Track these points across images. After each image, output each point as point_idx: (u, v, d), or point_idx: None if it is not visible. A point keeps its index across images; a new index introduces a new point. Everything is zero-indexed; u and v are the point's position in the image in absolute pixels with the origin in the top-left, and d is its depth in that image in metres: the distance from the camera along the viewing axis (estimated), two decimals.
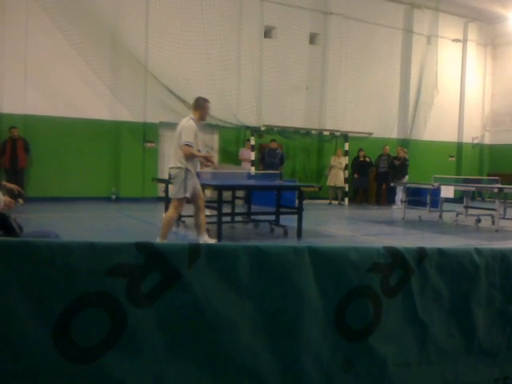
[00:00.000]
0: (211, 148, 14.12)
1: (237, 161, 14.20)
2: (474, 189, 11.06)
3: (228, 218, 8.39)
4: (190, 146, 5.91)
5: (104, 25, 12.53)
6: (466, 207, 11.11)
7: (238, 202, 10.41)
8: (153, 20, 13.00)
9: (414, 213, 11.26)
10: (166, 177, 9.38)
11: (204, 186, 6.87)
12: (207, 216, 7.85)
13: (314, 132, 15.49)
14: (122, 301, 1.43)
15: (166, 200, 8.51)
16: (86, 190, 12.58)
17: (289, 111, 14.97)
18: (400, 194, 13.16)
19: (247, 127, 14.25)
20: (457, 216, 10.57)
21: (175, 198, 6.11)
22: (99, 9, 12.37)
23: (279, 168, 13.38)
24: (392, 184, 12.78)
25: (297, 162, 15.66)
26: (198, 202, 6.32)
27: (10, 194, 3.62)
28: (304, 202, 8.26)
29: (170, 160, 6.31)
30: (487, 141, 19.67)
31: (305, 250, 1.68)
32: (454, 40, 18.36)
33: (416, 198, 12.03)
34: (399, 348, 1.82)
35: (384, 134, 16.58)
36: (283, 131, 14.92)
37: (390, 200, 15.14)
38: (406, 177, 14.47)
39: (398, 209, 12.83)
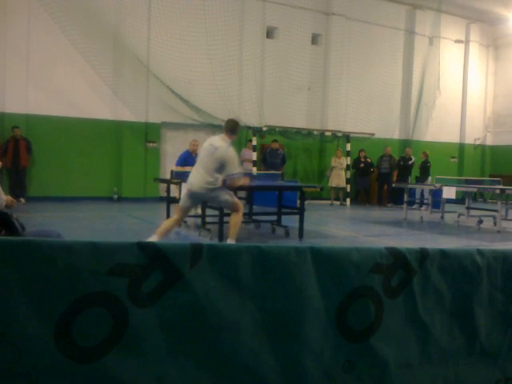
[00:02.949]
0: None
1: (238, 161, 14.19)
2: (475, 190, 11.06)
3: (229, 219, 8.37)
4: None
5: (106, 25, 12.53)
6: (468, 208, 11.10)
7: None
8: (155, 20, 13.00)
9: (416, 214, 11.25)
10: (167, 177, 9.38)
11: None
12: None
13: (315, 132, 15.49)
14: (124, 301, 1.43)
15: (168, 200, 8.50)
16: (87, 190, 12.59)
17: (291, 112, 14.97)
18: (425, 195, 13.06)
19: (249, 127, 14.25)
20: (458, 217, 10.56)
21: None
22: (101, 9, 12.38)
23: (281, 168, 13.39)
24: (411, 185, 12.36)
25: (298, 163, 15.66)
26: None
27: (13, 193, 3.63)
28: (305, 202, 8.25)
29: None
30: (489, 142, 19.65)
31: (307, 250, 1.67)
32: (456, 41, 18.34)
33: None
34: (401, 349, 1.81)
35: (386, 135, 16.58)
36: (285, 132, 14.92)
37: (392, 200, 15.18)
38: (429, 178, 14.59)
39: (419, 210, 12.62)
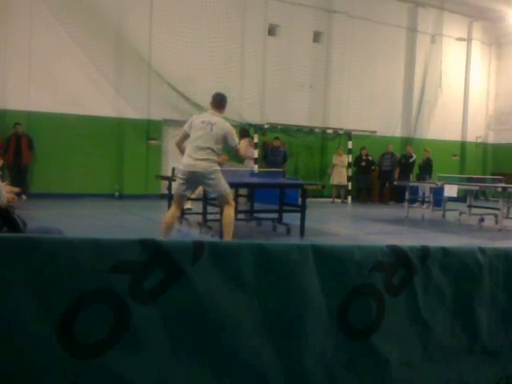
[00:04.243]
0: None
1: (240, 158, 14.18)
2: (477, 188, 11.03)
3: None
4: None
5: (108, 22, 12.54)
6: (470, 206, 11.09)
7: (241, 200, 10.40)
8: (157, 17, 13.00)
9: (417, 212, 11.23)
10: (169, 174, 9.38)
11: None
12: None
13: (317, 130, 15.48)
14: (126, 298, 1.43)
15: (169, 197, 8.50)
16: (89, 187, 12.60)
17: (292, 109, 14.97)
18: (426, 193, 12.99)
19: (250, 125, 14.24)
20: (460, 215, 10.55)
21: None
22: (103, 6, 12.38)
23: (282, 166, 13.38)
24: (413, 183, 12.40)
25: (300, 160, 15.66)
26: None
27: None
28: (307, 200, 8.24)
29: (197, 152, 5.85)
30: (491, 140, 19.62)
31: (308, 248, 1.67)
32: (458, 39, 18.31)
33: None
34: (402, 347, 1.81)
35: (387, 133, 16.57)
36: (286, 129, 14.92)
37: (394, 198, 15.16)
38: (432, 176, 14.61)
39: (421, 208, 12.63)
